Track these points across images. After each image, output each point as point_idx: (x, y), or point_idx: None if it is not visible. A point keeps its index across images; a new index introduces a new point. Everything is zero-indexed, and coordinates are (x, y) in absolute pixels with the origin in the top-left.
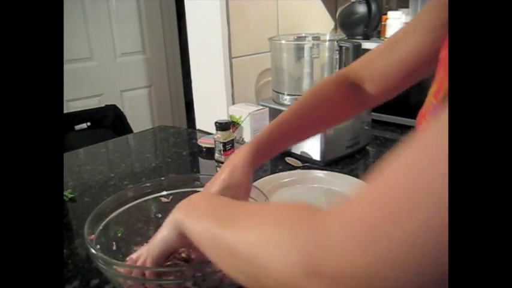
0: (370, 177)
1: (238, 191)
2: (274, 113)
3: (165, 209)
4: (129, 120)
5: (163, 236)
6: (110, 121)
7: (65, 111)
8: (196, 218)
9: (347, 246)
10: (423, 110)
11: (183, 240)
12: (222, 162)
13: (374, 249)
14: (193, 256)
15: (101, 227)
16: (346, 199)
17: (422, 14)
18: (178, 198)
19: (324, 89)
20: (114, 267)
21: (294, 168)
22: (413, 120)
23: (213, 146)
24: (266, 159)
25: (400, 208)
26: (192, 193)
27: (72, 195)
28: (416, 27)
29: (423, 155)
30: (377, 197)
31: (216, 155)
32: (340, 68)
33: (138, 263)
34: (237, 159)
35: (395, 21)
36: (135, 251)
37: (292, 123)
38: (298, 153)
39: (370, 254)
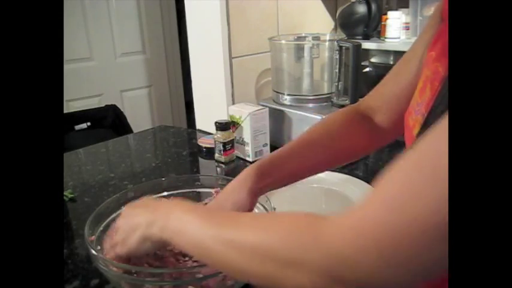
0: (374, 185)
1: None
2: (274, 113)
3: None
4: (129, 120)
5: (134, 241)
6: (110, 121)
7: (65, 111)
8: (192, 226)
9: (358, 256)
10: (410, 108)
11: (158, 247)
12: (222, 162)
13: (382, 258)
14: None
15: (101, 228)
16: (352, 207)
17: (423, 31)
18: (178, 198)
19: (335, 119)
20: (115, 268)
21: None
22: None
23: (213, 146)
24: (269, 185)
25: (401, 217)
26: (192, 193)
27: (72, 195)
28: (418, 47)
29: (422, 165)
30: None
31: (216, 155)
32: (340, 68)
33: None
34: (235, 183)
35: (395, 21)
36: None
37: (298, 149)
38: None
39: (380, 265)
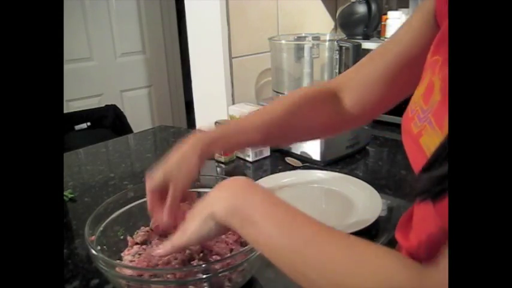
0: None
1: (180, 181)
2: None
3: None
4: (129, 120)
5: (198, 229)
6: (110, 121)
7: (65, 111)
8: (263, 225)
9: None
10: (410, 113)
11: (220, 235)
12: (222, 162)
13: None
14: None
15: (101, 228)
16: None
17: (408, 23)
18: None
19: (303, 93)
20: (116, 268)
21: (294, 168)
22: None
23: None
24: (218, 151)
25: None
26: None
27: (72, 195)
28: (399, 34)
29: None
30: None
31: (216, 155)
32: (340, 68)
33: (161, 259)
34: (185, 148)
35: (395, 21)
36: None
37: (254, 120)
38: (298, 153)
39: None
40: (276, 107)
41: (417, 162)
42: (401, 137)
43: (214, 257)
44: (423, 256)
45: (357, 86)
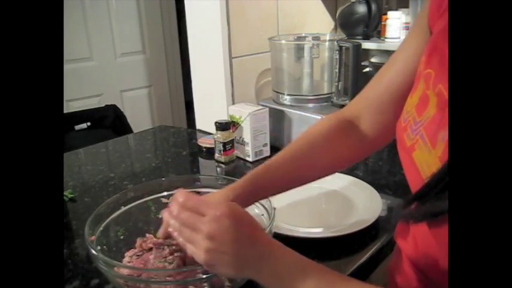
0: None
1: None
2: (274, 113)
3: None
4: (129, 120)
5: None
6: (110, 121)
7: (65, 111)
8: None
9: None
10: (403, 122)
11: None
12: (222, 162)
13: None
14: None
15: (101, 228)
16: None
17: (409, 35)
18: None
19: (319, 131)
20: (115, 268)
21: None
22: None
23: (213, 146)
24: (252, 200)
25: None
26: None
27: (72, 195)
28: (402, 49)
29: None
30: None
31: (216, 155)
32: (340, 68)
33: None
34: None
35: (395, 21)
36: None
37: (281, 166)
38: None
39: None
40: (296, 150)
41: (411, 179)
42: (397, 147)
43: None
44: (422, 261)
45: (370, 110)
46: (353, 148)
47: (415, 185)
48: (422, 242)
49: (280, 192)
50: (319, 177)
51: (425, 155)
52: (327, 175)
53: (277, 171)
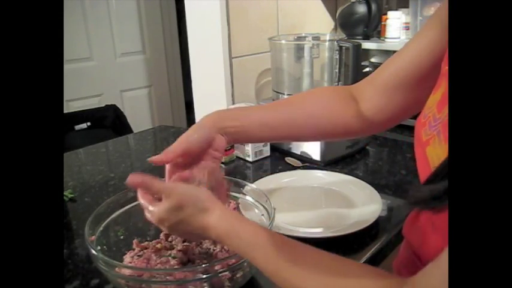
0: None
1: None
2: None
3: None
4: (129, 120)
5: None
6: (110, 121)
7: (65, 111)
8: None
9: None
10: (422, 118)
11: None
12: (222, 162)
13: None
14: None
15: (101, 228)
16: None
17: (425, 25)
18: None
19: (324, 91)
20: (115, 268)
21: (294, 168)
22: (413, 120)
23: None
24: (234, 128)
25: None
26: None
27: (72, 195)
28: (416, 38)
29: None
30: None
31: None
32: (340, 68)
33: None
34: (204, 120)
35: (395, 21)
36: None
37: (276, 106)
38: (298, 153)
39: None
40: (301, 101)
41: (422, 172)
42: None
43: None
44: (426, 253)
45: (375, 92)
46: (349, 119)
47: (424, 177)
48: (427, 233)
49: (257, 137)
50: (307, 136)
51: (437, 149)
52: (316, 137)
53: (265, 108)
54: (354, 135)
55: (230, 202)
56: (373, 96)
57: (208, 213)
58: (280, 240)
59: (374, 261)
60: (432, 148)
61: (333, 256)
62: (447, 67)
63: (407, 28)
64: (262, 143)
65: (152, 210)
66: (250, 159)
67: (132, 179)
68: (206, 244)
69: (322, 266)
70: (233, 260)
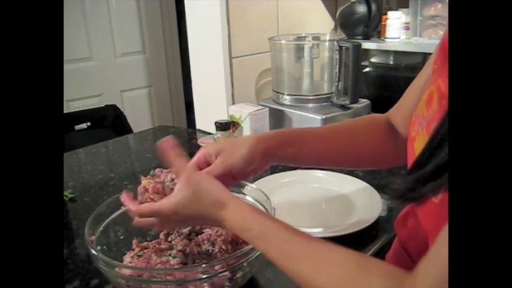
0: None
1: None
2: (274, 113)
3: None
4: (129, 120)
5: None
6: (110, 121)
7: (65, 111)
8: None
9: None
10: (414, 118)
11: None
12: None
13: None
14: (188, 250)
15: (101, 228)
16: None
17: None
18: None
19: (366, 119)
20: (115, 268)
21: (294, 168)
22: None
23: None
24: (286, 153)
25: None
26: None
27: (72, 195)
28: (430, 62)
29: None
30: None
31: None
32: (340, 68)
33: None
34: (254, 146)
35: (395, 21)
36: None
37: (327, 133)
38: None
39: None
40: (344, 125)
41: (409, 164)
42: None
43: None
44: (411, 247)
45: (403, 116)
46: (390, 144)
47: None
48: (413, 228)
49: (302, 163)
50: (353, 165)
51: (421, 143)
52: (366, 167)
53: (312, 135)
54: (393, 159)
55: None
56: (403, 122)
57: (222, 207)
58: (291, 232)
59: None
60: (418, 142)
61: (343, 250)
62: (436, 66)
63: (407, 28)
64: None
65: (165, 203)
66: None
67: (166, 143)
68: (206, 245)
69: (332, 259)
70: (233, 260)
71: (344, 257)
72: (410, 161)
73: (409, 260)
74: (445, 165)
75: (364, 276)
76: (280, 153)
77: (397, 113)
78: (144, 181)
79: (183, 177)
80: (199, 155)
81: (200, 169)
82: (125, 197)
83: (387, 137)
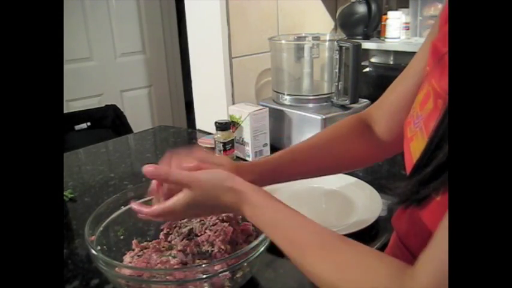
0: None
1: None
2: (274, 113)
3: None
4: (129, 120)
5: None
6: (110, 121)
7: (65, 111)
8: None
9: None
10: (409, 118)
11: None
12: None
13: None
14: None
15: (101, 228)
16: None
17: (426, 40)
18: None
19: (342, 125)
20: (115, 268)
21: None
22: None
23: (213, 146)
24: (269, 178)
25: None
26: None
27: (72, 195)
28: (415, 59)
29: None
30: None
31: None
32: (340, 68)
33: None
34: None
35: (395, 21)
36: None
37: (306, 149)
38: None
39: None
40: (318, 139)
41: (407, 166)
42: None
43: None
44: (412, 243)
45: (384, 117)
46: (368, 149)
47: (408, 170)
48: (411, 223)
49: (297, 178)
50: (335, 171)
51: (419, 144)
52: (342, 170)
53: (300, 155)
54: (375, 160)
55: None
56: (382, 120)
57: (234, 193)
58: (300, 222)
59: None
60: (415, 143)
61: (351, 242)
62: (429, 67)
63: (407, 28)
64: (263, 144)
65: (175, 201)
66: (250, 159)
67: (148, 169)
68: (205, 246)
69: (339, 248)
70: (233, 260)
71: (352, 248)
72: (407, 162)
73: (409, 255)
74: (445, 164)
75: (371, 265)
76: (270, 179)
77: (376, 111)
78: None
79: (186, 179)
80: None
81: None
82: (137, 207)
83: (364, 140)
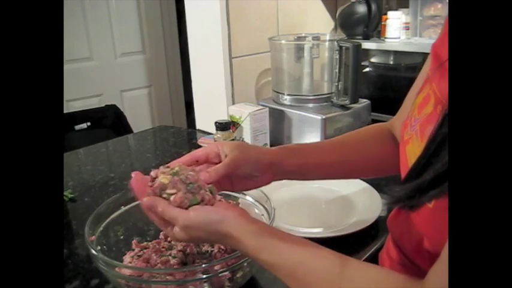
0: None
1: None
2: (274, 113)
3: None
4: (129, 120)
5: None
6: (110, 121)
7: (65, 111)
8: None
9: None
10: (406, 121)
11: None
12: None
13: None
14: (188, 250)
15: (101, 228)
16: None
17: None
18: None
19: (369, 129)
20: (115, 268)
21: None
22: None
23: None
24: (290, 167)
25: None
26: None
27: (72, 195)
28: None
29: None
30: None
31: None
32: (340, 68)
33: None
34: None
35: (395, 21)
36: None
37: (329, 146)
38: None
39: None
40: (349, 137)
41: (402, 170)
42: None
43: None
44: (405, 245)
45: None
46: (392, 154)
47: (403, 175)
48: (405, 227)
49: (307, 176)
50: (356, 175)
51: (415, 147)
52: (364, 175)
53: (317, 148)
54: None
55: (229, 202)
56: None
57: (231, 239)
58: (300, 258)
59: (374, 261)
60: (411, 147)
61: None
62: (430, 72)
63: (407, 28)
64: (263, 144)
65: (183, 214)
66: None
67: (145, 202)
68: (205, 246)
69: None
70: (233, 260)
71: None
72: (403, 165)
73: (403, 257)
74: (444, 174)
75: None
76: (285, 165)
77: (396, 122)
78: (162, 179)
79: (178, 219)
80: (210, 149)
81: (198, 163)
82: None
83: (391, 147)
